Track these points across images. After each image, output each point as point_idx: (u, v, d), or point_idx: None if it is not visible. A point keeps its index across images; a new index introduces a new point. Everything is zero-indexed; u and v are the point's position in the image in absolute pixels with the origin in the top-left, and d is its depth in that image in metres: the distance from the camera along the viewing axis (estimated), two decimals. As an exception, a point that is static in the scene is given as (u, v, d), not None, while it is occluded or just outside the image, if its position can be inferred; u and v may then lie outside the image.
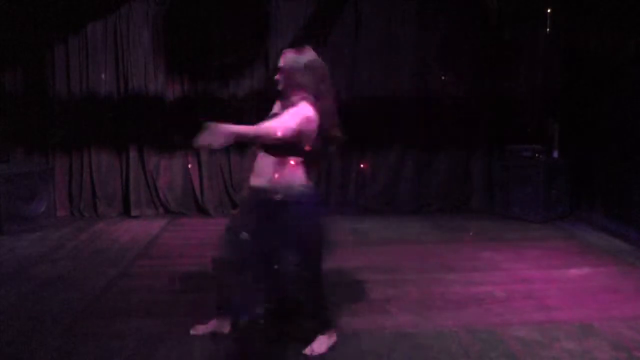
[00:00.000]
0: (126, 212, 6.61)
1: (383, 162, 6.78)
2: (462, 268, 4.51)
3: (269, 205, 2.82)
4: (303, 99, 2.96)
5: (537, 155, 6.18)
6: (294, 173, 2.89)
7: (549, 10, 6.27)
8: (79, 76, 6.48)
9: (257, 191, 2.91)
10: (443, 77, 6.39)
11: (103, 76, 6.47)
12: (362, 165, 6.75)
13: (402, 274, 4.36)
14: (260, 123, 2.90)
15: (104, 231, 5.88)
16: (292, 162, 2.89)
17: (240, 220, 3.01)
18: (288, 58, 3.11)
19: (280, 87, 3.10)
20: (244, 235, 2.81)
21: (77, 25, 6.41)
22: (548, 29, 6.31)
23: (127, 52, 6.46)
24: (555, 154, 6.37)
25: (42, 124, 6.49)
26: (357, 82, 6.64)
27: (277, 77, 3.11)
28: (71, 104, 6.50)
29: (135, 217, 6.51)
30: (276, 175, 2.87)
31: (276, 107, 3.20)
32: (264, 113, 7.28)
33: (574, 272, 4.40)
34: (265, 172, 2.89)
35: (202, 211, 6.69)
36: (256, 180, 2.95)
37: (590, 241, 5.35)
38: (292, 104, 2.95)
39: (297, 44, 7.03)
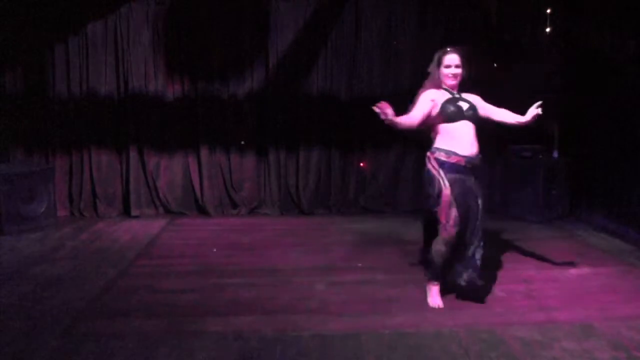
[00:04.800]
0: (126, 212, 6.61)
1: (383, 162, 6.78)
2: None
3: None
4: None
5: (537, 155, 6.19)
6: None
7: (549, 10, 6.27)
8: (79, 76, 6.48)
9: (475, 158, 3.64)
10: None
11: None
12: (361, 164, 6.76)
13: (402, 274, 4.36)
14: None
15: (104, 231, 5.88)
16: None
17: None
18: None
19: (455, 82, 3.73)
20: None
21: (77, 25, 6.40)
22: (548, 29, 6.31)
23: (127, 52, 6.46)
24: (555, 154, 6.37)
25: (42, 124, 6.50)
26: (357, 82, 6.64)
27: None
28: (71, 104, 6.50)
29: (135, 217, 6.50)
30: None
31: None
32: (264, 113, 7.33)
33: (574, 272, 4.40)
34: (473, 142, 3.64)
35: (202, 211, 6.69)
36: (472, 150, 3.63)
37: (590, 241, 5.35)
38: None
39: (297, 44, 7.07)
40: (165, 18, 6.47)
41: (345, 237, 5.56)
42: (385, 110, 3.38)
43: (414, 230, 5.84)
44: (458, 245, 3.63)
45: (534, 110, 3.63)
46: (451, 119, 3.63)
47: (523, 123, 3.69)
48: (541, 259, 4.74)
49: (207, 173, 6.68)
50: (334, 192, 6.81)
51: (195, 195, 6.73)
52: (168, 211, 6.68)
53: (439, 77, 3.72)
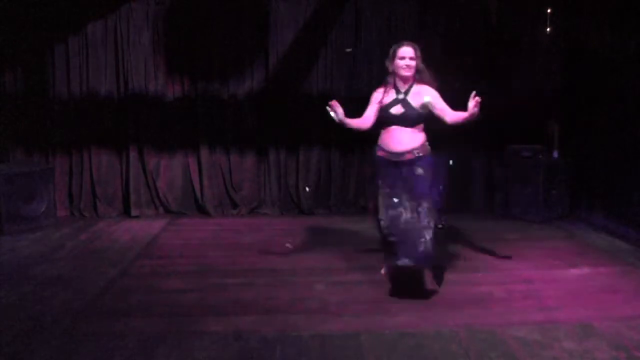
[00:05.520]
0: (126, 212, 6.61)
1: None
2: (462, 268, 4.51)
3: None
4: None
5: (537, 155, 6.19)
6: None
7: (549, 10, 6.27)
8: (79, 76, 6.48)
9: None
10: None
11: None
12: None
13: (402, 274, 4.36)
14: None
15: (104, 231, 5.88)
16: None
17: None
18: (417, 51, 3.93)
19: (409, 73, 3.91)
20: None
21: (77, 25, 6.41)
22: (548, 29, 6.31)
23: (127, 52, 6.46)
24: (555, 154, 6.37)
25: (42, 124, 6.50)
26: (357, 82, 6.64)
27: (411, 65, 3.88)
28: (71, 104, 6.50)
29: (135, 217, 6.51)
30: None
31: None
32: (264, 113, 7.31)
33: (574, 272, 4.41)
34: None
35: (202, 211, 6.70)
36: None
37: (590, 241, 5.35)
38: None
39: (297, 44, 7.07)
40: (165, 18, 6.47)
41: (346, 238, 5.56)
42: (336, 108, 3.75)
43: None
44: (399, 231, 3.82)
45: (472, 102, 3.66)
46: (384, 124, 3.98)
47: (469, 117, 3.73)
48: (541, 259, 4.74)
49: (207, 173, 6.68)
50: (334, 192, 6.81)
51: (195, 195, 6.73)
52: (168, 211, 6.68)
53: (394, 69, 3.94)
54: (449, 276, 4.31)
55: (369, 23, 6.61)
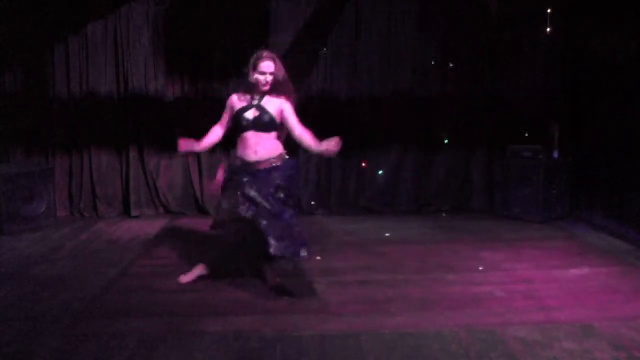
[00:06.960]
0: (126, 212, 6.61)
1: (383, 162, 6.78)
2: (462, 268, 4.52)
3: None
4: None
5: (537, 155, 6.20)
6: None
7: (549, 10, 6.27)
8: (79, 76, 6.48)
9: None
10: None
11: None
12: (363, 164, 6.75)
13: (402, 274, 4.36)
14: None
15: (104, 231, 5.88)
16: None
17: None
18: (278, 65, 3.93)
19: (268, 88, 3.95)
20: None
21: (77, 25, 6.40)
22: (548, 29, 6.31)
23: (127, 52, 6.46)
24: (555, 154, 6.37)
25: (42, 124, 6.50)
26: (357, 82, 6.64)
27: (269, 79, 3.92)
28: (71, 104, 6.50)
29: (135, 217, 6.51)
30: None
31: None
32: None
33: (574, 272, 4.41)
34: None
35: (202, 211, 6.69)
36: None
37: (590, 241, 5.35)
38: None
39: (297, 44, 7.06)
40: (165, 18, 6.47)
41: (345, 237, 5.56)
42: (189, 149, 4.20)
43: (414, 231, 5.86)
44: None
45: (330, 141, 3.67)
46: (239, 130, 3.96)
47: (322, 151, 3.74)
48: (541, 259, 4.74)
49: (207, 173, 6.67)
50: (334, 192, 6.81)
51: (195, 195, 6.73)
52: (168, 211, 6.68)
53: (253, 81, 3.94)
54: (449, 276, 4.31)
55: (369, 23, 6.61)
